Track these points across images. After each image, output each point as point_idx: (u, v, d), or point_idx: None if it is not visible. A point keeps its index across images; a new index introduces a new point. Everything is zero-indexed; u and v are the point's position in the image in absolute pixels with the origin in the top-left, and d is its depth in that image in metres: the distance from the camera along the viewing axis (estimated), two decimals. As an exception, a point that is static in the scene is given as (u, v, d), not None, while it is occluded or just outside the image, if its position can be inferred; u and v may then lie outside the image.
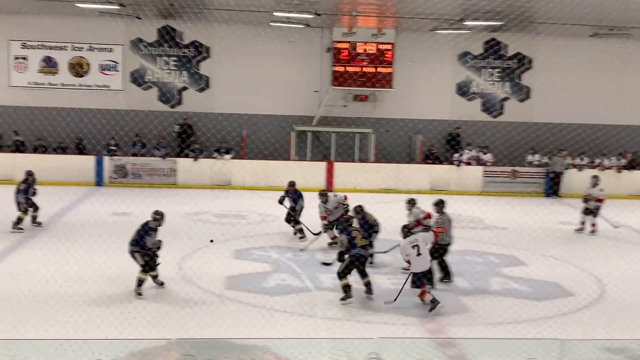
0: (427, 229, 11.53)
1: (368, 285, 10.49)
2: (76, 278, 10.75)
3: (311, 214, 14.29)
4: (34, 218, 14.96)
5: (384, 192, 20.78)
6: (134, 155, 21.42)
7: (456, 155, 22.28)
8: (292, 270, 12.01)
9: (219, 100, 23.05)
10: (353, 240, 10.46)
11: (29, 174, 15.04)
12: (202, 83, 23.08)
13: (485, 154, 22.47)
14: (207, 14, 20.45)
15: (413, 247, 10.22)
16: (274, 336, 8.27)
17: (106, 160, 21.07)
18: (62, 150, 21.66)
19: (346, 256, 10.44)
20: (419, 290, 10.17)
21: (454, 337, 8.93)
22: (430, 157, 22.50)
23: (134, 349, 6.13)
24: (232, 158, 21.49)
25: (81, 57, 22.60)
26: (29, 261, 11.90)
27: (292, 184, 14.78)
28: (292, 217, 14.50)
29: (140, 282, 10.25)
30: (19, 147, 21.41)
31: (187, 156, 21.45)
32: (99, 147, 21.57)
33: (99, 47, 22.60)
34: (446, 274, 11.43)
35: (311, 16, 18.92)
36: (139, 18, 21.21)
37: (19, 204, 14.62)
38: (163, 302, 9.93)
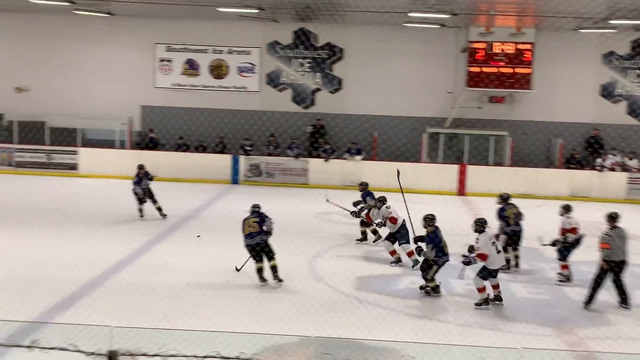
0: (578, 240, 11.19)
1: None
2: (214, 271, 11.26)
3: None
4: (159, 210, 15.85)
5: (520, 197, 19.96)
6: (268, 154, 22.08)
7: (599, 160, 21.22)
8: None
9: (351, 102, 23.29)
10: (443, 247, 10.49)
11: (140, 167, 16.00)
12: (335, 84, 23.40)
13: (631, 159, 21.25)
14: (342, 16, 20.70)
15: (492, 243, 10.20)
16: (405, 339, 8.24)
17: (242, 159, 21.84)
18: (202, 148, 22.69)
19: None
20: (482, 283, 10.13)
21: (596, 351, 8.53)
22: (572, 162, 21.54)
23: (266, 344, 6.33)
24: (363, 159, 21.63)
25: (221, 59, 23.58)
26: (170, 254, 12.57)
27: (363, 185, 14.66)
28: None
29: (257, 271, 10.84)
30: (155, 144, 22.63)
31: (318, 156, 21.83)
32: (236, 146, 22.44)
33: (237, 49, 23.47)
34: (623, 298, 10.36)
35: (447, 16, 18.68)
36: (276, 21, 21.85)
37: (135, 194, 15.70)
38: (295, 299, 10.15)
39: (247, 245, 10.90)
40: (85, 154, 22.12)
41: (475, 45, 22.05)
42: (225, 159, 21.85)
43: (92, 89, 23.47)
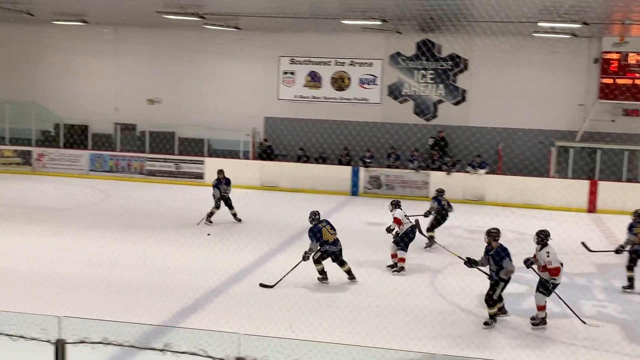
0: None
1: None
2: (337, 283, 11.37)
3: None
4: (234, 215, 16.56)
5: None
6: (388, 167, 22.04)
7: None
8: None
9: (475, 114, 22.86)
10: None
11: (220, 172, 16.75)
12: (459, 96, 23.06)
13: None
14: (465, 27, 20.41)
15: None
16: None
17: (362, 171, 21.93)
18: (322, 160, 23.00)
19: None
20: (544, 300, 9.65)
21: None
22: None
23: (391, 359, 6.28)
24: (487, 173, 21.16)
25: (343, 71, 23.85)
26: (290, 264, 12.76)
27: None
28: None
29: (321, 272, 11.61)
30: (270, 153, 23.13)
31: (440, 169, 21.57)
32: (355, 158, 22.58)
33: (359, 61, 23.65)
34: None
35: (579, 26, 17.98)
36: (399, 33, 21.83)
37: (213, 197, 16.34)
38: (412, 315, 10.05)
39: (331, 252, 11.54)
40: (211, 163, 22.96)
41: (608, 56, 21.14)
42: (345, 171, 22.02)
43: (218, 100, 24.39)
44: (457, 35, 21.97)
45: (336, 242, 11.60)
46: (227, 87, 24.43)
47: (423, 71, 23.21)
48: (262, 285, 11.26)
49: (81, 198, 19.49)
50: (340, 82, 23.88)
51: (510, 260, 9.60)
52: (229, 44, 23.75)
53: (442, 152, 22.19)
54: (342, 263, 11.69)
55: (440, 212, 14.58)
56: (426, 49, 22.93)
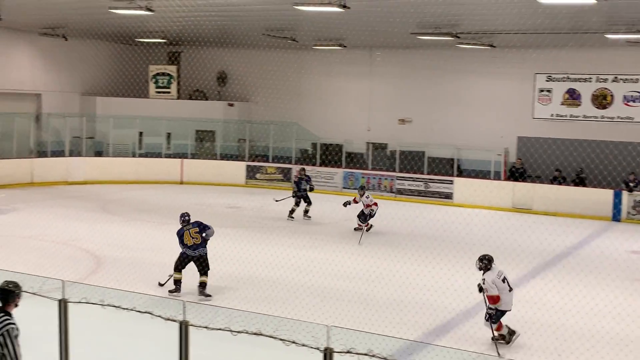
0: None
1: None
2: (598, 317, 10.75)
3: None
4: (305, 212, 18.70)
5: None
6: (656, 191, 20.32)
7: None
8: None
9: None
10: None
11: (301, 170, 19.35)
12: None
13: None
14: None
15: (503, 280, 9.22)
16: None
17: (624, 194, 20.46)
18: (581, 181, 21.80)
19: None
20: (494, 326, 9.01)
21: None
22: None
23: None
24: None
25: (605, 88, 22.49)
26: (547, 290, 12.30)
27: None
28: None
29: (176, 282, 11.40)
30: (521, 174, 22.40)
31: None
32: (618, 179, 21.10)
33: (624, 77, 22.16)
34: None
35: None
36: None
37: (292, 193, 18.87)
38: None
39: (188, 256, 11.15)
40: (461, 183, 22.94)
41: None
42: (606, 194, 20.70)
43: (469, 120, 24.33)
44: None
45: (196, 246, 11.12)
46: (479, 106, 24.28)
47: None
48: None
49: (335, 214, 20.49)
50: (601, 100, 22.54)
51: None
52: (483, 62, 23.61)
53: None
54: (201, 271, 11.17)
55: None
56: None
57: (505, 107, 23.92)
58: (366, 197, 17.14)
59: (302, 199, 18.84)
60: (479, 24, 18.50)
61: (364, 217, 17.07)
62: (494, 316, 9.21)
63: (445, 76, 24.72)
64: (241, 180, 25.97)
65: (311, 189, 19.10)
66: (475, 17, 17.68)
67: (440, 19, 17.64)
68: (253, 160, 26.45)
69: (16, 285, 6.05)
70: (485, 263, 9.38)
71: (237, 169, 26.12)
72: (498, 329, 9.31)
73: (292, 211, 18.76)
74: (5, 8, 18.06)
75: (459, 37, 19.81)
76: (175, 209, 14.54)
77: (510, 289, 9.38)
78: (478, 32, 19.63)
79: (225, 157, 26.97)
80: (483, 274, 9.36)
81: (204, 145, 27.48)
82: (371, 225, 17.19)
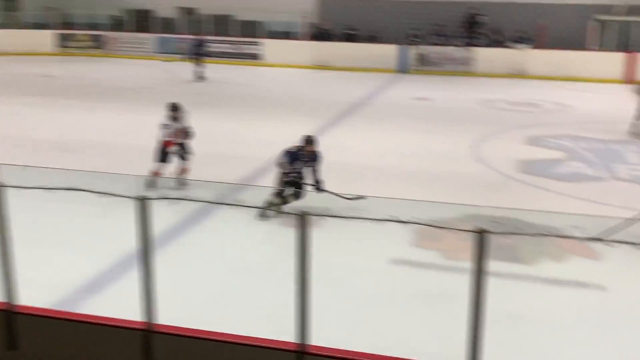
0: None
1: None
2: (383, 153, 11.46)
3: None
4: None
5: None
6: (434, 44, 21.47)
7: None
8: (586, 158, 11.38)
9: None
10: None
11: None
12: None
13: None
14: None
15: None
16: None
17: (410, 49, 21.40)
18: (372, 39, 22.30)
19: None
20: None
21: None
22: None
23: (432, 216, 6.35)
24: (528, 48, 20.48)
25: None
26: (347, 137, 12.80)
27: None
28: None
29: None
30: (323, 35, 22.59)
31: (477, 45, 20.98)
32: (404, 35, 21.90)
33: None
34: None
35: None
36: None
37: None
38: (458, 180, 10.10)
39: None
40: (269, 44, 22.76)
41: None
42: (394, 49, 21.53)
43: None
44: None
45: None
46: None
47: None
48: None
49: (148, 80, 19.67)
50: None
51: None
52: None
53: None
54: None
55: None
56: None
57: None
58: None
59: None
60: None
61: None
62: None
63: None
64: (51, 49, 24.01)
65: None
66: None
67: None
68: (63, 29, 24.39)
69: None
70: None
71: (45, 38, 24.02)
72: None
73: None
74: None
75: None
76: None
77: None
78: None
79: (32, 26, 24.62)
80: None
81: (9, 14, 24.81)
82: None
